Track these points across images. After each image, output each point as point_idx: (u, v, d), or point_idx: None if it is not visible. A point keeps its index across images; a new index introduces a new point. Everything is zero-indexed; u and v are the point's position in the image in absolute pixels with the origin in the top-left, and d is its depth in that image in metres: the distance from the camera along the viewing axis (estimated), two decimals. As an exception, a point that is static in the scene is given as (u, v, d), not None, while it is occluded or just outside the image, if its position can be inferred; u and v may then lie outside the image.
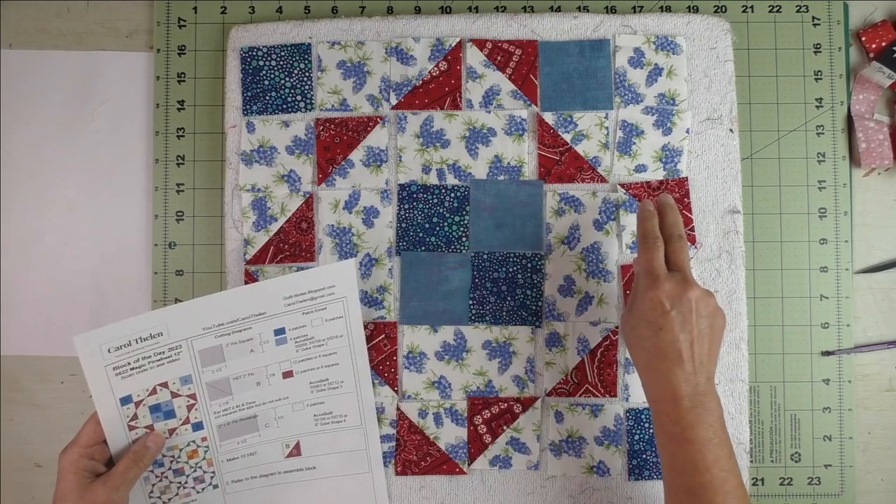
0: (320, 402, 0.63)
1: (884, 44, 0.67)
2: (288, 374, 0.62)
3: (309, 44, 0.68)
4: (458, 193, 0.67)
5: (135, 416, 0.59)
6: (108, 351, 0.58)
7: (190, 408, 0.60)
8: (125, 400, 0.59)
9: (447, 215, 0.67)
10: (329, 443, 0.63)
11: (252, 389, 0.61)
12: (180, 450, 0.61)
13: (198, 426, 0.61)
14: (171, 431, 0.60)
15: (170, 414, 0.60)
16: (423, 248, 0.66)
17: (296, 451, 0.63)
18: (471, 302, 0.66)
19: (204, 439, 0.61)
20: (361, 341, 0.62)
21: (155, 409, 0.60)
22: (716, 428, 0.51)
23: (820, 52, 0.69)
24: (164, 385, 0.60)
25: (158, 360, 0.59)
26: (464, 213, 0.67)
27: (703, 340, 0.52)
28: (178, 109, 0.69)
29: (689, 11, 0.69)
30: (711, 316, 0.53)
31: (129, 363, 0.59)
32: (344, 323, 0.62)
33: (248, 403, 0.62)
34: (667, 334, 0.52)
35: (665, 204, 0.57)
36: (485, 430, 0.65)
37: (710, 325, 0.53)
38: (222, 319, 0.59)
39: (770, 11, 0.69)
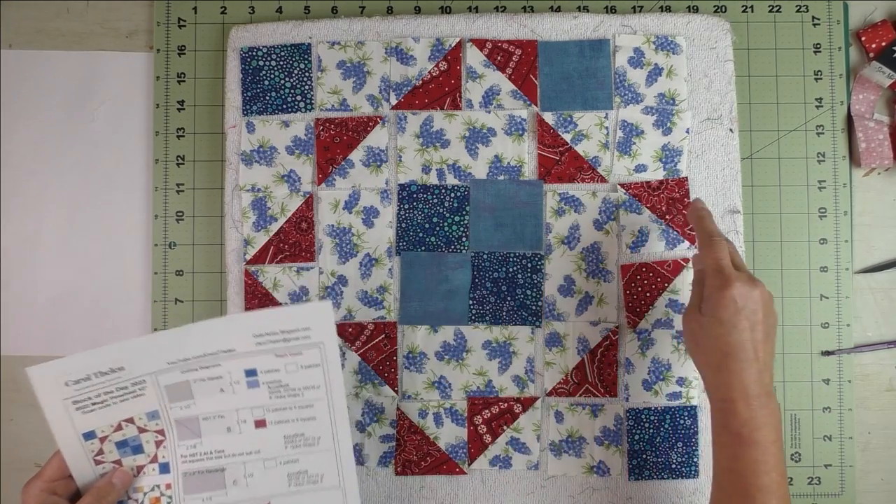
0: (294, 459, 0.57)
1: (884, 44, 0.67)
2: (260, 424, 0.57)
3: (309, 44, 0.68)
4: (458, 193, 0.67)
5: (101, 451, 0.55)
6: (66, 384, 0.53)
7: (158, 444, 0.56)
8: (89, 435, 0.55)
9: (447, 215, 0.67)
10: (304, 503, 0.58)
11: (222, 435, 0.57)
12: (144, 494, 0.57)
13: (164, 468, 0.57)
14: (139, 469, 0.56)
15: (138, 449, 0.56)
16: (423, 248, 0.66)
17: None
18: (471, 302, 0.66)
19: (168, 486, 0.57)
20: (341, 395, 0.57)
21: (122, 444, 0.56)
22: (779, 430, 0.51)
23: (820, 51, 0.69)
24: (130, 420, 0.55)
25: (122, 396, 0.54)
26: (464, 213, 0.67)
27: (769, 340, 0.52)
28: (178, 109, 0.69)
29: (689, 11, 0.69)
30: (773, 315, 0.53)
31: (89, 398, 0.54)
32: (322, 373, 0.56)
33: (217, 452, 0.57)
34: (741, 333, 0.51)
35: (703, 209, 0.58)
36: (485, 430, 0.65)
37: (773, 325, 0.53)
38: (187, 354, 0.54)
39: (770, 11, 0.69)
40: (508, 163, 0.67)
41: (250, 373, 0.56)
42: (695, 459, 0.65)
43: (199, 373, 0.56)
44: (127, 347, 0.54)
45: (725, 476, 0.52)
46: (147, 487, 0.57)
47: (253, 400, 0.57)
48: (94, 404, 0.54)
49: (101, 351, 0.53)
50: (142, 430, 0.56)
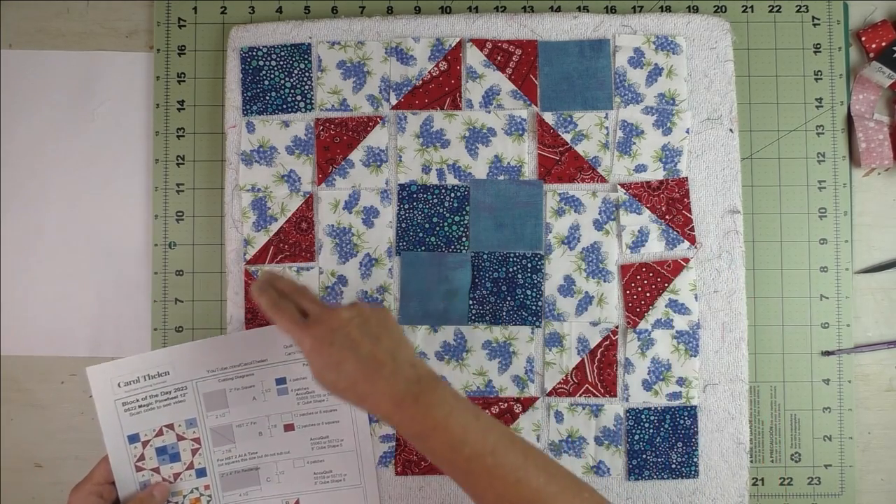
0: (320, 459, 0.63)
1: (884, 44, 0.67)
2: (289, 427, 0.62)
3: (309, 44, 0.68)
4: (458, 193, 0.67)
5: (142, 457, 0.60)
6: (119, 385, 0.60)
7: (194, 452, 0.61)
8: (133, 438, 0.60)
9: (447, 215, 0.67)
10: (328, 501, 0.63)
11: (254, 439, 0.62)
12: (184, 496, 0.62)
13: (201, 472, 0.62)
14: (176, 476, 0.61)
15: (175, 457, 0.61)
16: (423, 248, 0.66)
17: None
18: (471, 302, 0.66)
19: (207, 487, 0.62)
20: None
21: (161, 451, 0.61)
22: (448, 398, 0.48)
23: (820, 52, 0.69)
24: (171, 427, 0.61)
25: (165, 400, 0.60)
26: (464, 213, 0.67)
27: (374, 340, 0.50)
28: (178, 109, 0.69)
29: (689, 11, 0.69)
30: (357, 318, 0.51)
31: (137, 400, 0.60)
32: None
33: (251, 454, 0.62)
34: (347, 366, 0.49)
35: (268, 279, 0.55)
36: (485, 430, 0.65)
37: (365, 322, 0.51)
38: (225, 363, 0.61)
39: (770, 11, 0.69)
40: (508, 163, 0.67)
41: (280, 381, 0.62)
42: (694, 459, 0.65)
43: (235, 382, 0.61)
44: (173, 352, 0.60)
45: (447, 469, 0.49)
46: (187, 490, 0.62)
47: (282, 406, 0.62)
48: (140, 406, 0.60)
49: (150, 355, 0.60)
50: (180, 438, 0.61)
